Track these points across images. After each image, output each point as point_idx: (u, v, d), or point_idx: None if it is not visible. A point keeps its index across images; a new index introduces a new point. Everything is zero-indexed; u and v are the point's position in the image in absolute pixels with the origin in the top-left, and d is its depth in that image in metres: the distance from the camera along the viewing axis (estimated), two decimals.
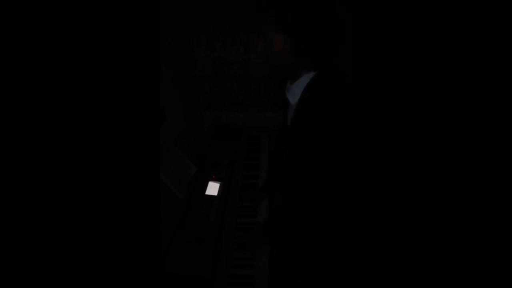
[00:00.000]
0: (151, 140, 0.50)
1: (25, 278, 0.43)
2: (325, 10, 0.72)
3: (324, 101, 0.78)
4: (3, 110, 0.42)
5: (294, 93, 0.84)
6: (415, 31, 0.45)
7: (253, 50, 1.51)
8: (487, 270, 0.42)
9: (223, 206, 1.17)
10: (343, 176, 0.76)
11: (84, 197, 0.45)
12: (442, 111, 0.44)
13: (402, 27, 0.46)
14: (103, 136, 0.46)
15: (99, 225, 0.46)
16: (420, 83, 0.46)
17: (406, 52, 0.46)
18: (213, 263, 0.97)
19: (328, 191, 0.85)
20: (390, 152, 0.48)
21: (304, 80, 0.82)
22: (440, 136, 0.45)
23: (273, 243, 1.09)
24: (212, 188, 1.23)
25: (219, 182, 1.25)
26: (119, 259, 0.47)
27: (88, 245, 0.46)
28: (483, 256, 0.42)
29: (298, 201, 0.97)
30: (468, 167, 0.43)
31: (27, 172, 0.43)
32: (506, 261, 0.41)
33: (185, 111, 1.57)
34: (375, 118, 0.49)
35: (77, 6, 0.44)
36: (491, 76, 0.42)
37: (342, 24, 0.76)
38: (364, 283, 0.49)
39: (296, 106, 0.86)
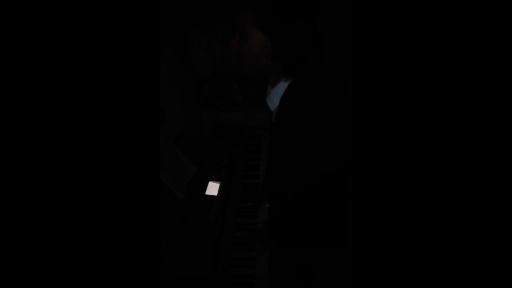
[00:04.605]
0: (151, 140, 0.50)
1: (25, 278, 0.43)
2: (307, 15, 0.71)
3: (300, 107, 0.77)
4: (3, 110, 0.42)
5: (273, 99, 0.83)
6: (415, 30, 0.45)
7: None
8: (488, 273, 0.42)
9: (223, 206, 1.17)
10: (327, 172, 0.79)
11: (84, 197, 0.45)
12: (443, 112, 0.44)
13: (402, 26, 0.46)
14: (103, 136, 0.46)
15: (99, 225, 0.46)
16: (420, 82, 0.46)
17: (407, 51, 0.46)
18: (213, 263, 0.97)
19: (312, 193, 0.86)
20: (391, 153, 0.48)
21: (282, 86, 0.80)
22: (441, 137, 0.45)
23: (279, 243, 1.09)
24: (212, 188, 1.23)
25: (219, 182, 1.25)
26: (120, 259, 0.47)
27: (88, 245, 0.46)
28: (484, 258, 0.42)
29: (289, 202, 0.97)
30: (471, 168, 0.43)
31: (27, 172, 0.43)
32: (506, 261, 0.41)
33: (185, 111, 1.57)
34: (375, 118, 0.49)
35: (77, 5, 0.44)
36: (491, 77, 0.42)
37: (324, 33, 0.75)
38: (365, 284, 0.49)
39: (277, 109, 0.84)
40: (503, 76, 0.41)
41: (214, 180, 1.26)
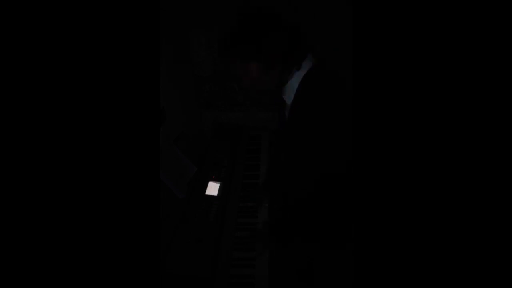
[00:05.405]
0: (151, 140, 0.50)
1: (25, 278, 0.43)
2: (272, 27, 0.79)
3: (315, 98, 0.83)
4: (4, 110, 0.42)
5: (289, 93, 0.89)
6: (415, 30, 0.45)
7: None
8: (488, 272, 0.42)
9: (223, 206, 1.17)
10: (336, 171, 0.80)
11: (85, 197, 0.45)
12: (443, 112, 0.44)
13: (402, 25, 0.46)
14: (103, 136, 0.46)
15: (99, 225, 0.46)
16: (420, 82, 0.46)
17: (406, 51, 0.46)
18: (213, 263, 0.97)
19: (322, 188, 0.87)
20: (391, 153, 0.48)
21: (294, 80, 0.87)
22: (441, 137, 0.45)
23: (279, 243, 1.10)
24: (212, 188, 1.23)
25: (219, 182, 1.25)
26: (120, 259, 0.47)
27: (88, 245, 0.46)
28: (484, 258, 0.42)
29: (296, 199, 0.98)
30: (471, 168, 0.43)
31: (27, 172, 0.43)
32: (506, 261, 0.41)
33: (185, 111, 1.57)
34: (376, 117, 0.49)
35: (77, 5, 0.44)
36: (490, 76, 0.42)
37: (297, 27, 0.82)
38: (365, 284, 0.49)
39: (291, 105, 0.90)
40: (502, 76, 0.41)
41: (214, 180, 1.26)
